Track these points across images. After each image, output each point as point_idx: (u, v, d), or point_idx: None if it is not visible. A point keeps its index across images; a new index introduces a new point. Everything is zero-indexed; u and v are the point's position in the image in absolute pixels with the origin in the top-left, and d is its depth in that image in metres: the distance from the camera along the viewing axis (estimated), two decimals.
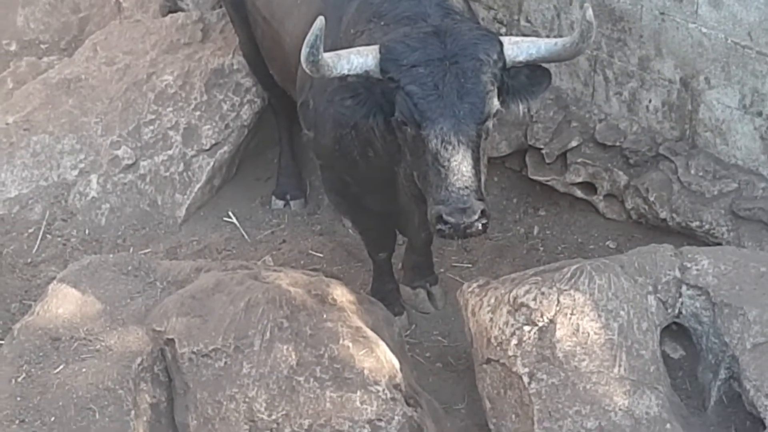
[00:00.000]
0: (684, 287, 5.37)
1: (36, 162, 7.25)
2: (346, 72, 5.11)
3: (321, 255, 7.03)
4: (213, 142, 7.36)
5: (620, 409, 5.03)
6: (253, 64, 7.25)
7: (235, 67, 7.48)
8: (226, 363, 5.18)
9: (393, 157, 5.50)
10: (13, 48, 8.72)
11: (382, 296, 6.32)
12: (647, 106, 6.70)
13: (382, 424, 5.07)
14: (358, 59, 5.11)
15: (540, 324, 5.20)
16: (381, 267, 6.57)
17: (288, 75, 6.24)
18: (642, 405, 5.06)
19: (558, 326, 5.18)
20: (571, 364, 5.12)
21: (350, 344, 5.21)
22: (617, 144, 6.77)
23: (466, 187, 4.96)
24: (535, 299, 5.24)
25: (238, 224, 7.30)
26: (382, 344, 5.30)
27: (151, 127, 7.33)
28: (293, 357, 5.17)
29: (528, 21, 7.05)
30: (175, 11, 8.12)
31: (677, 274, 5.39)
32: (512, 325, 5.25)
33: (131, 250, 6.98)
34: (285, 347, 5.19)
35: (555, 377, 5.11)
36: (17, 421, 4.99)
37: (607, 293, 5.25)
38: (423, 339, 6.50)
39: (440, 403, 5.73)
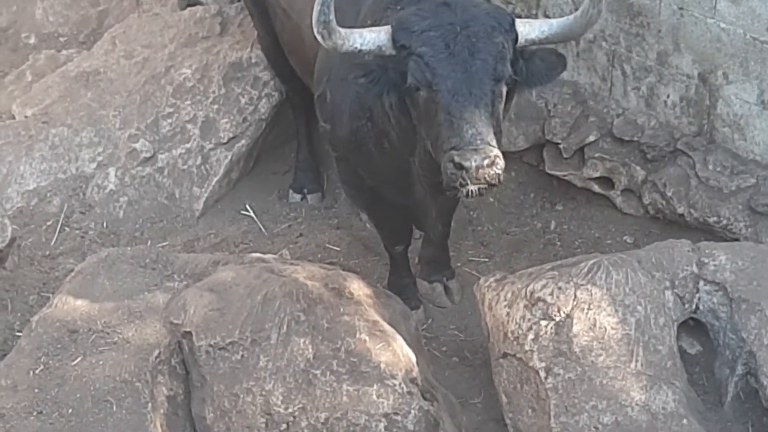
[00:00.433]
0: (701, 283, 5.36)
1: (54, 155, 7.27)
2: (358, 46, 5.13)
3: (338, 249, 7.03)
4: (231, 135, 7.37)
5: (637, 404, 5.03)
6: (272, 58, 7.27)
7: (253, 60, 7.49)
8: (243, 356, 5.19)
9: (408, 147, 5.50)
10: (32, 41, 8.75)
11: (398, 290, 6.32)
12: (665, 101, 6.69)
13: (399, 417, 5.08)
14: (371, 35, 5.15)
15: (557, 319, 5.20)
16: (398, 261, 6.58)
17: (307, 67, 6.26)
18: (658, 400, 5.05)
19: (575, 321, 5.17)
20: (587, 359, 5.12)
21: (367, 338, 5.22)
22: (635, 139, 6.76)
23: (479, 133, 4.90)
24: (551, 294, 5.24)
25: (255, 218, 7.31)
26: (399, 338, 5.30)
27: (169, 121, 7.35)
28: (310, 350, 5.18)
29: (546, 16, 7.04)
30: (194, 5, 8.13)
31: (694, 269, 5.38)
32: (529, 319, 5.25)
33: (149, 243, 7.00)
34: (302, 340, 5.20)
35: (572, 372, 5.11)
36: (35, 413, 5.01)
37: (624, 288, 5.25)
38: (439, 333, 6.50)
39: (456, 398, 5.74)
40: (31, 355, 5.24)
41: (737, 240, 6.24)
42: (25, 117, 7.47)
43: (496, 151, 4.91)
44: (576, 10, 6.81)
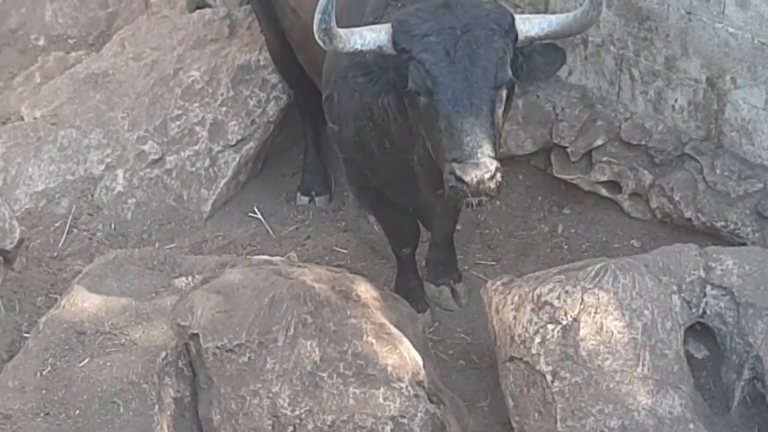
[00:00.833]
0: (708, 287, 5.36)
1: (63, 156, 7.29)
2: (359, 47, 5.15)
3: (345, 251, 7.04)
4: (239, 137, 7.38)
5: (643, 409, 5.03)
6: (279, 61, 7.28)
7: (261, 63, 7.50)
8: (250, 358, 5.20)
9: (407, 146, 5.51)
10: (41, 43, 8.77)
11: (405, 293, 6.33)
12: (673, 106, 6.69)
13: (405, 420, 5.08)
14: (371, 34, 5.16)
15: (564, 322, 5.20)
16: (405, 263, 6.58)
17: (316, 67, 6.27)
18: (665, 404, 5.05)
19: (582, 325, 5.17)
20: (594, 363, 5.11)
21: (374, 341, 5.22)
22: (642, 143, 6.76)
23: (479, 146, 4.95)
24: (558, 297, 5.24)
25: (263, 220, 7.32)
26: (406, 341, 5.30)
27: (178, 123, 7.36)
28: (317, 353, 5.19)
29: None
30: (203, 7, 8.15)
31: (702, 273, 5.38)
32: (536, 323, 5.25)
33: (157, 244, 7.01)
34: (309, 343, 5.20)
35: (578, 376, 5.11)
36: (42, 414, 5.02)
37: (631, 292, 5.24)
38: (446, 336, 6.50)
39: (463, 401, 5.74)
40: (38, 357, 5.25)
41: (744, 244, 6.23)
42: (34, 118, 7.49)
43: (496, 164, 4.96)
44: None
